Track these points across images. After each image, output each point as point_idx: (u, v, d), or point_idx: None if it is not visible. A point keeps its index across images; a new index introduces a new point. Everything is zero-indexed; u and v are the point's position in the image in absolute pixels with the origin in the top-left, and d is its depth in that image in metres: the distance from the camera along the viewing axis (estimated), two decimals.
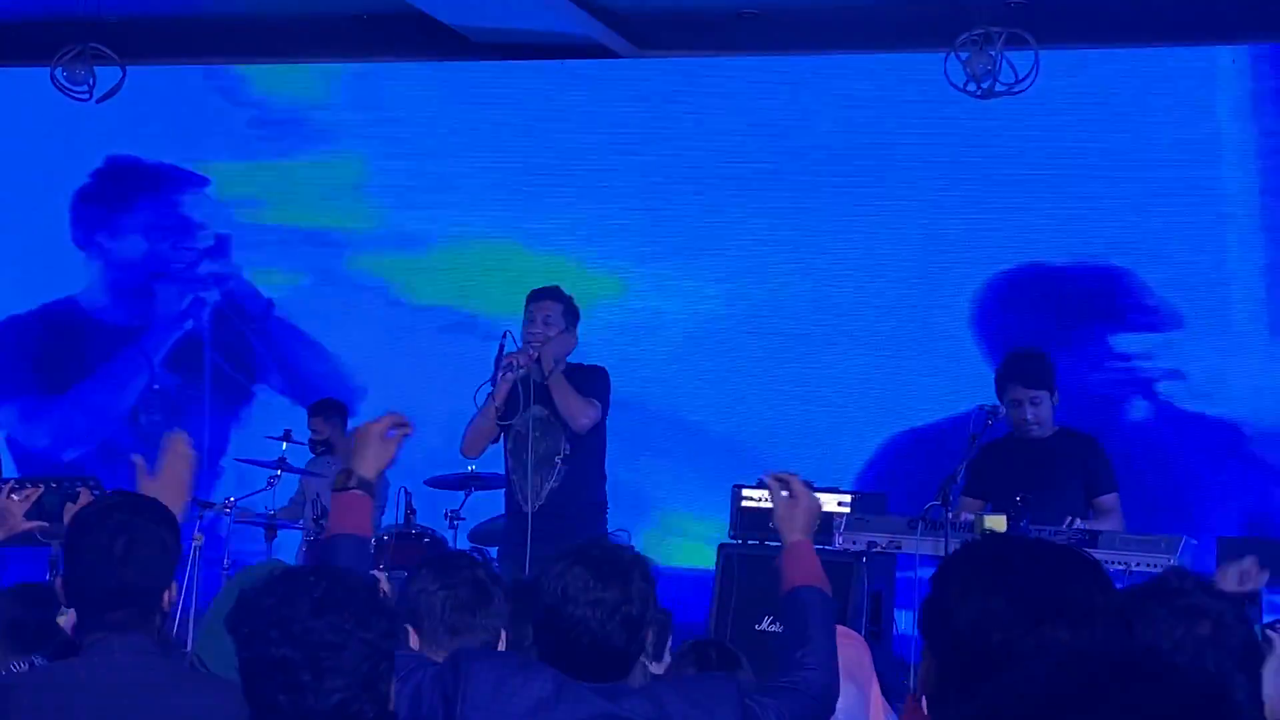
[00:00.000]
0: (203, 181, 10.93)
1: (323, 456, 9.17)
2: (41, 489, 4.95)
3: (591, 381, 7.18)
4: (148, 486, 3.75)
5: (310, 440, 9.24)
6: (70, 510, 4.34)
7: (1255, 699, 2.79)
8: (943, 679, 2.17)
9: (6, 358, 11.24)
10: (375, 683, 2.74)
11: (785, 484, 3.85)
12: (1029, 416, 6.91)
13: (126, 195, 11.16)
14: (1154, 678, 1.48)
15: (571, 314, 7.20)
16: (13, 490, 4.92)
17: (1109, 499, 6.92)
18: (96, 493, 5.35)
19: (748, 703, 3.31)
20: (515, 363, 6.95)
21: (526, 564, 6.75)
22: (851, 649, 3.83)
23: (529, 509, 7.02)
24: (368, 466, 3.73)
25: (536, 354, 6.98)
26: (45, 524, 4.87)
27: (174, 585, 3.44)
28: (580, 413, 7.04)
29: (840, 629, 3.71)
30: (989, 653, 2.09)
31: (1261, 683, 2.84)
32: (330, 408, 9.37)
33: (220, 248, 10.94)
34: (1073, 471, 6.88)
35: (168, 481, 3.81)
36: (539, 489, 7.05)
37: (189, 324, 11.04)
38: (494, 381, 7.14)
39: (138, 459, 3.88)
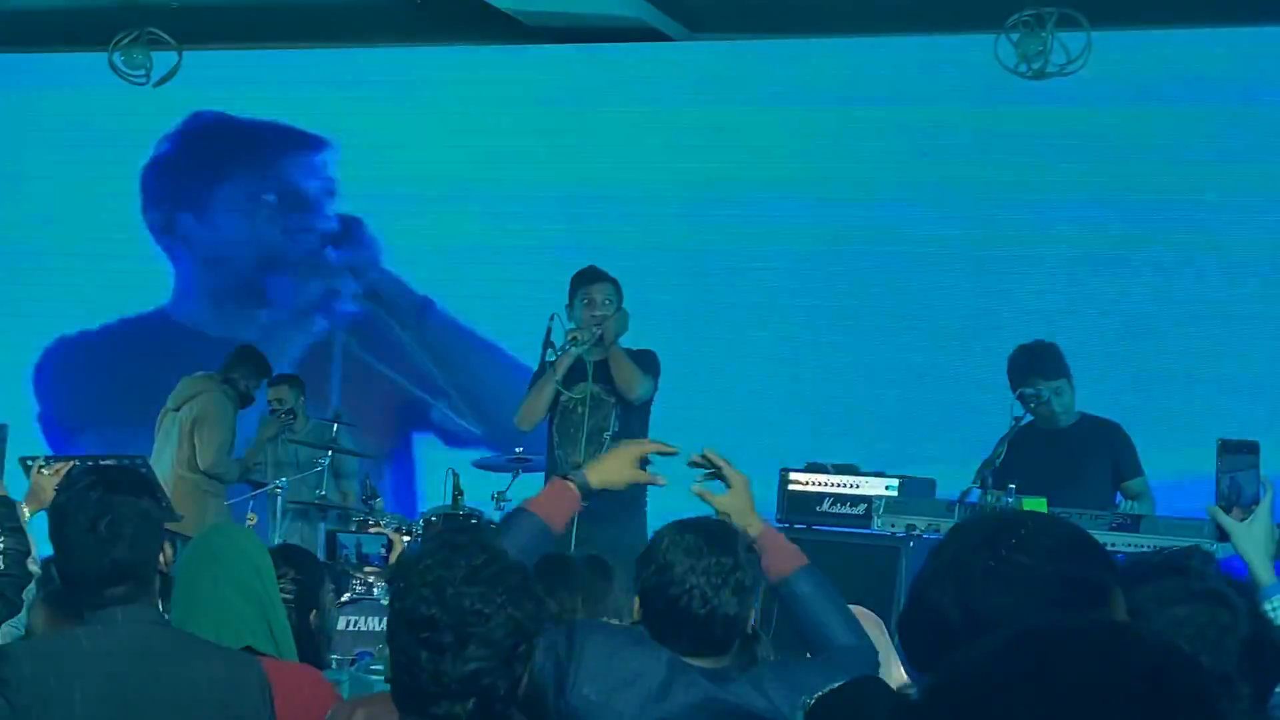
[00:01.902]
0: (320, 144, 10.57)
1: (288, 426, 9.34)
2: (73, 464, 5.02)
3: (644, 360, 7.43)
4: None
5: (272, 410, 9.35)
6: None
7: (1261, 698, 2.73)
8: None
9: (84, 383, 10.85)
10: (513, 661, 2.80)
11: (718, 468, 3.78)
12: (1056, 408, 6.90)
13: (218, 163, 10.72)
14: (1117, 648, 1.45)
15: (620, 295, 7.42)
16: (43, 466, 5.00)
17: (1137, 483, 6.90)
18: (144, 470, 5.42)
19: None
20: (580, 339, 7.16)
21: (573, 538, 6.78)
22: (867, 627, 3.81)
23: None
24: (598, 474, 3.69)
25: (600, 332, 7.20)
26: None
27: (167, 547, 3.46)
28: (638, 382, 7.30)
29: (855, 609, 3.70)
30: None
31: (1269, 684, 2.78)
32: (292, 377, 9.52)
33: (352, 229, 10.59)
34: (1099, 458, 6.85)
35: None
36: (585, 464, 7.19)
37: (320, 328, 10.74)
38: (543, 363, 7.34)
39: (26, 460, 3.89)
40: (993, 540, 2.16)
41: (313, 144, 10.56)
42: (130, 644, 3.28)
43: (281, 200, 10.66)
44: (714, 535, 3.37)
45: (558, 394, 7.34)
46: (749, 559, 3.37)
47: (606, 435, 7.31)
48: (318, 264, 10.69)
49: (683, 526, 3.40)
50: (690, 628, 3.29)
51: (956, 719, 1.43)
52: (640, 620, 3.41)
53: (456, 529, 3.07)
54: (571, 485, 3.63)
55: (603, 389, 7.33)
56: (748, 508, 3.71)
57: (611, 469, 3.72)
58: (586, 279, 7.42)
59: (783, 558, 3.64)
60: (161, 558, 3.41)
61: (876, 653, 3.61)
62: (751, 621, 3.48)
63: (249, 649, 3.62)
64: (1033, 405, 6.86)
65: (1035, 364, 7.00)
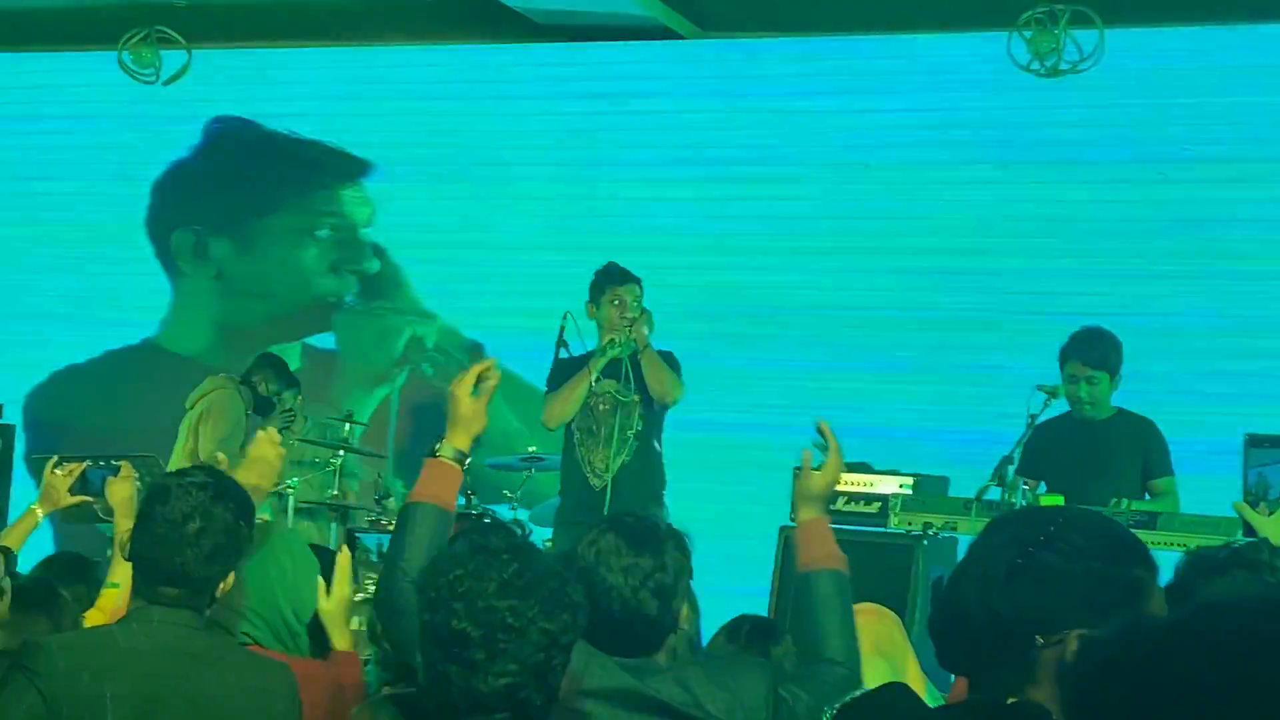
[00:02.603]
0: (361, 167, 10.48)
1: (288, 427, 9.28)
2: (86, 464, 5.00)
3: (672, 362, 7.48)
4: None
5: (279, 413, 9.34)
6: (112, 484, 4.38)
7: None
8: None
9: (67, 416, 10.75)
10: (547, 674, 2.73)
11: (827, 443, 3.74)
12: (1084, 395, 6.87)
13: (259, 184, 10.57)
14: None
15: (642, 294, 7.47)
16: (56, 466, 4.97)
17: (1164, 482, 6.87)
18: (146, 470, 5.40)
19: (780, 692, 3.25)
20: (616, 340, 7.24)
21: None
22: (883, 624, 3.78)
23: (603, 481, 7.21)
24: (460, 435, 3.51)
25: (631, 333, 7.25)
26: (89, 498, 4.91)
27: (232, 575, 3.42)
28: (674, 387, 7.36)
29: (869, 606, 3.66)
30: None
31: None
32: (269, 362, 9.43)
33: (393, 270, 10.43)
34: (1130, 454, 6.83)
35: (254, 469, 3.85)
36: (609, 462, 7.22)
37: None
38: (557, 360, 7.35)
39: (221, 456, 3.89)
40: (1019, 538, 2.11)
41: (356, 168, 10.47)
42: (165, 645, 3.27)
43: (334, 234, 10.54)
44: (636, 535, 3.29)
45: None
46: (675, 560, 3.27)
47: (630, 434, 7.33)
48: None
49: (608, 525, 3.34)
50: (610, 628, 3.20)
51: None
52: None
53: (487, 529, 2.94)
54: (446, 460, 3.48)
55: (625, 388, 7.33)
56: (819, 491, 3.67)
57: (465, 420, 3.52)
58: (616, 279, 7.41)
59: (817, 552, 3.58)
60: (221, 585, 3.38)
61: (860, 682, 3.50)
62: (679, 621, 3.40)
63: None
64: (1066, 388, 6.86)
65: (1079, 348, 6.99)
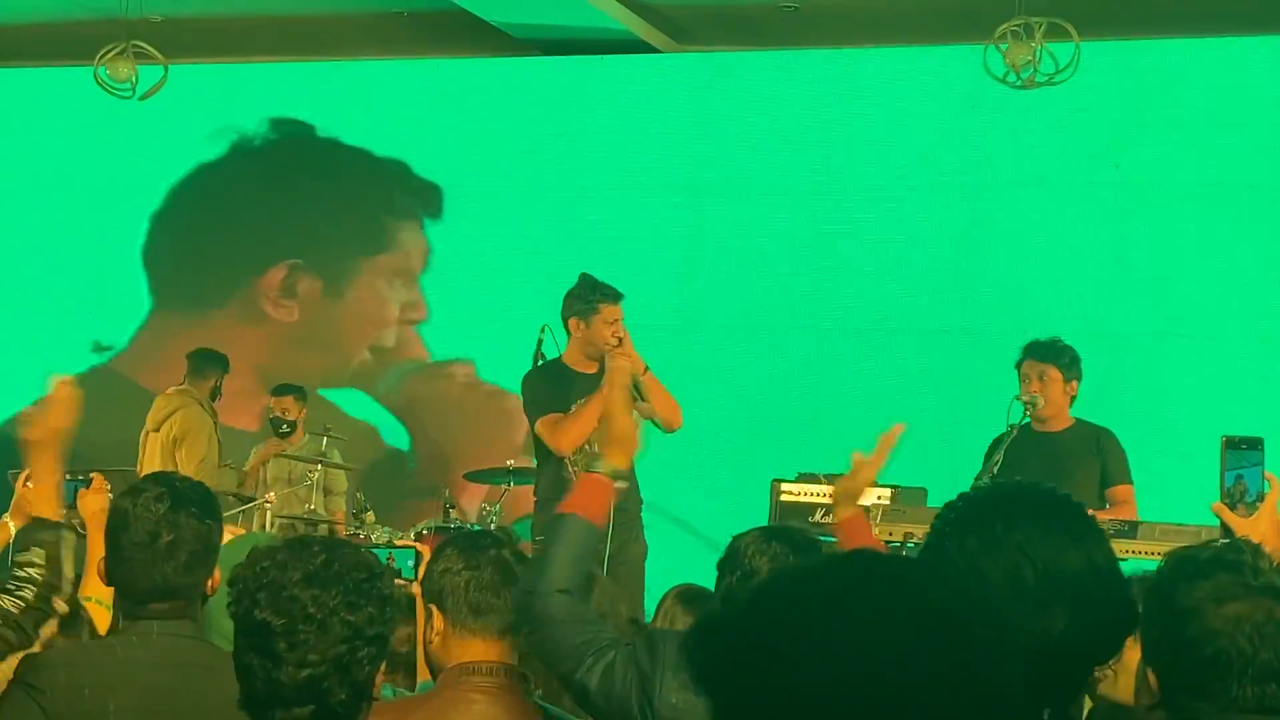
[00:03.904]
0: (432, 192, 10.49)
1: (288, 436, 9.35)
2: (62, 476, 4.95)
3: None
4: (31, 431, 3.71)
5: (274, 419, 9.35)
6: (84, 496, 4.34)
7: None
8: None
9: None
10: (351, 667, 2.65)
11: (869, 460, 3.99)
12: (1034, 390, 6.89)
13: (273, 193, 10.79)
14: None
15: None
16: (28, 479, 4.93)
17: (1121, 490, 6.88)
18: (120, 483, 5.36)
19: None
20: (633, 370, 6.97)
21: (606, 556, 6.67)
22: None
23: None
24: (619, 453, 3.53)
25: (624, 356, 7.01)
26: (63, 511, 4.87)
27: (218, 571, 3.40)
28: (677, 410, 7.14)
29: None
30: None
31: None
32: (297, 390, 9.53)
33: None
34: (1087, 463, 6.84)
35: (49, 423, 3.73)
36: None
37: None
38: (538, 375, 7.20)
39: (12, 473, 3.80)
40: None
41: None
42: (167, 656, 3.25)
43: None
44: (797, 543, 3.48)
45: None
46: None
47: None
48: None
49: (767, 534, 3.51)
50: None
51: (760, 631, 1.43)
52: None
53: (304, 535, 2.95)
54: (602, 476, 3.50)
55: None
56: (849, 493, 3.90)
57: (624, 438, 3.56)
58: (610, 297, 7.15)
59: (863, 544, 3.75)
60: (209, 583, 3.36)
61: None
62: None
63: None
64: (1021, 392, 6.90)
65: (1030, 348, 7.02)
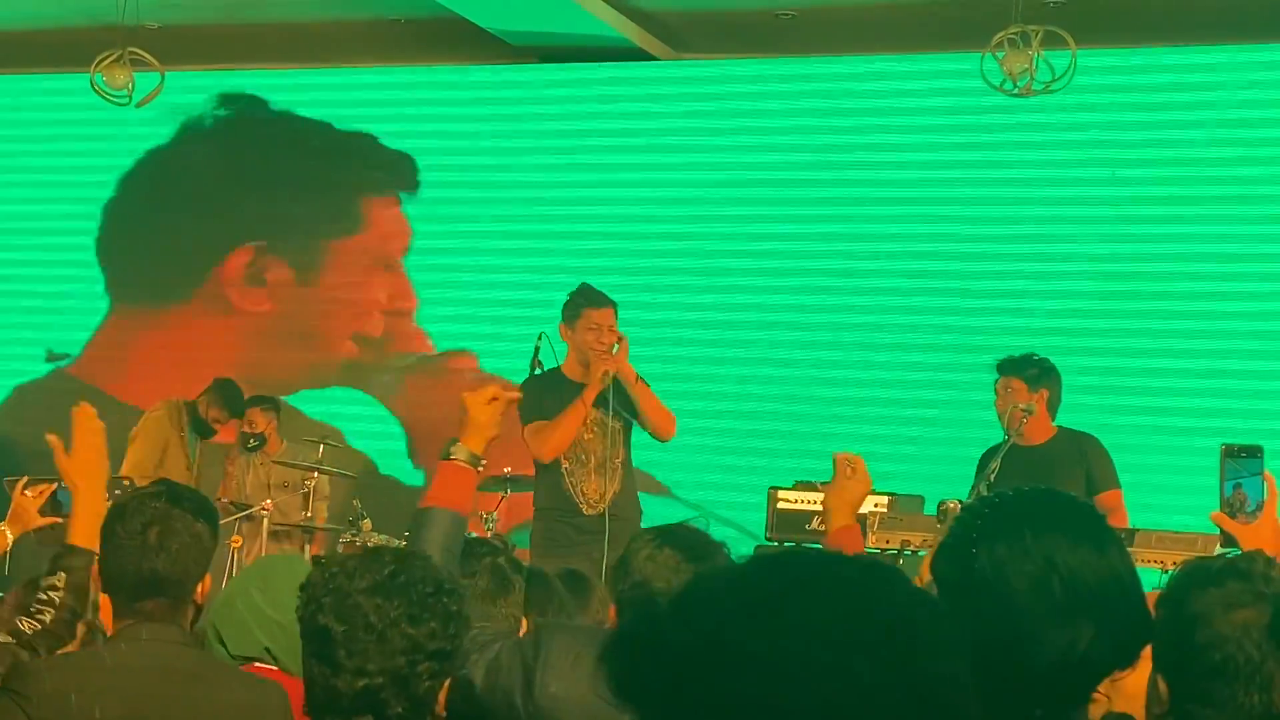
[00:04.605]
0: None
1: (255, 450, 9.32)
2: (56, 485, 4.94)
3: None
4: (66, 464, 3.68)
5: (242, 434, 9.36)
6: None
7: None
8: None
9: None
10: (410, 681, 2.66)
11: (852, 465, 3.92)
12: (999, 406, 6.95)
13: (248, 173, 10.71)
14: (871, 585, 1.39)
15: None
16: (26, 487, 4.92)
17: (1110, 497, 6.89)
18: (118, 491, 5.35)
19: None
20: (609, 371, 6.99)
21: (604, 566, 6.68)
22: None
23: (597, 510, 7.07)
24: (475, 439, 3.50)
25: (613, 363, 7.05)
26: (60, 519, 4.86)
27: (209, 578, 3.41)
28: (670, 419, 7.17)
29: None
30: None
31: None
32: (267, 401, 9.51)
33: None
34: (1071, 472, 6.84)
35: (84, 455, 3.70)
36: (603, 491, 7.11)
37: None
38: (531, 381, 7.22)
39: (52, 438, 3.73)
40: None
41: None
42: (155, 663, 3.23)
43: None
44: (690, 548, 3.33)
45: None
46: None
47: (618, 462, 7.17)
48: None
49: (663, 539, 3.35)
50: None
51: (693, 631, 1.36)
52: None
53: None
54: (460, 463, 3.49)
55: (605, 415, 7.12)
56: (848, 502, 3.90)
57: (481, 425, 3.54)
58: (594, 302, 7.19)
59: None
60: (200, 587, 3.35)
61: None
62: None
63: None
64: (996, 406, 6.92)
65: (1000, 365, 7.10)
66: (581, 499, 7.13)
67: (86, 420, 3.77)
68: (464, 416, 3.54)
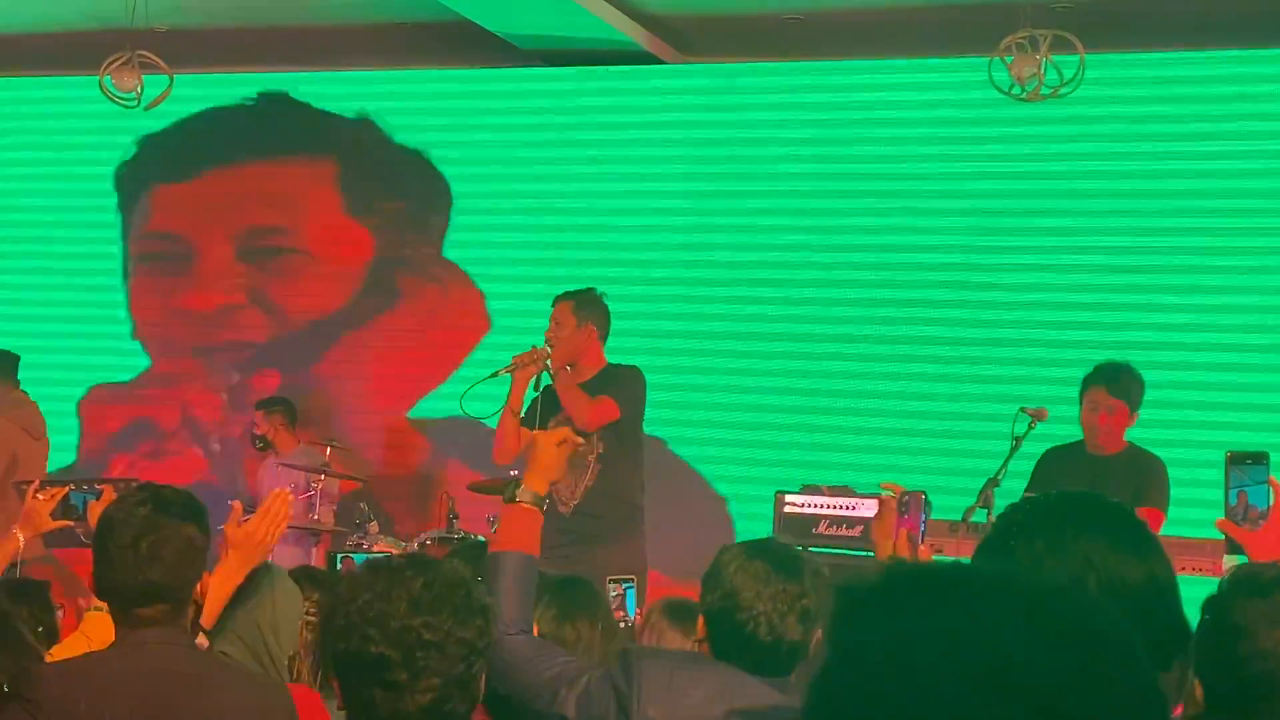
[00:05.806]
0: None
1: (263, 451, 9.43)
2: (68, 488, 4.95)
3: (613, 381, 7.10)
4: (234, 531, 3.76)
5: (250, 435, 9.40)
6: (94, 509, 4.35)
7: None
8: None
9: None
10: (469, 682, 2.73)
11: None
12: (1101, 423, 6.93)
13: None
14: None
15: (585, 314, 7.13)
16: (38, 490, 4.93)
17: (1147, 511, 6.85)
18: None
19: None
20: (519, 363, 6.94)
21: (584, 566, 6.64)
22: None
23: (566, 508, 7.01)
24: (539, 479, 3.65)
25: (548, 356, 6.97)
26: (71, 523, 4.87)
27: (206, 575, 3.44)
28: (585, 409, 6.92)
29: None
30: None
31: None
32: (277, 404, 9.53)
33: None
34: (1127, 488, 6.82)
35: (258, 537, 3.78)
36: (574, 487, 7.04)
37: None
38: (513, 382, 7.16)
39: (236, 504, 3.81)
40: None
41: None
42: (161, 667, 3.25)
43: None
44: (781, 561, 3.39)
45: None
46: (815, 584, 3.38)
47: (591, 458, 7.04)
48: None
49: (750, 551, 3.42)
50: (754, 653, 3.31)
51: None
52: (703, 639, 3.43)
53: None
54: (525, 505, 3.62)
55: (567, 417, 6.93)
56: (880, 530, 3.99)
57: (545, 466, 3.68)
58: (555, 300, 7.21)
59: None
60: (198, 587, 3.38)
61: None
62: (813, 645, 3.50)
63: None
64: (1084, 415, 6.99)
65: (1104, 375, 7.07)
66: (557, 498, 7.07)
67: (282, 504, 3.88)
68: (533, 455, 3.68)
